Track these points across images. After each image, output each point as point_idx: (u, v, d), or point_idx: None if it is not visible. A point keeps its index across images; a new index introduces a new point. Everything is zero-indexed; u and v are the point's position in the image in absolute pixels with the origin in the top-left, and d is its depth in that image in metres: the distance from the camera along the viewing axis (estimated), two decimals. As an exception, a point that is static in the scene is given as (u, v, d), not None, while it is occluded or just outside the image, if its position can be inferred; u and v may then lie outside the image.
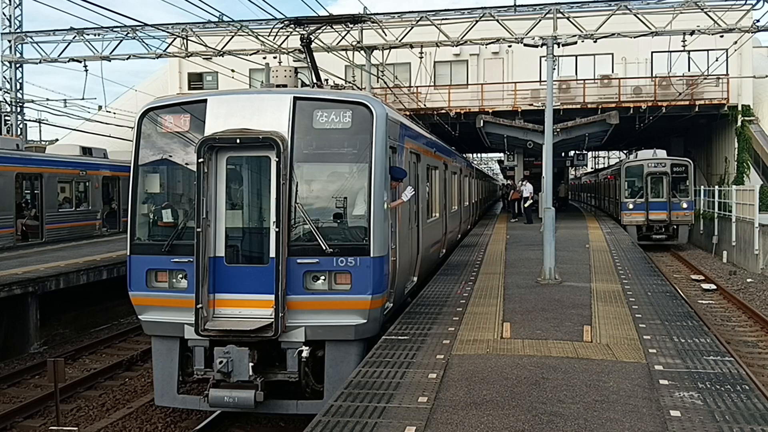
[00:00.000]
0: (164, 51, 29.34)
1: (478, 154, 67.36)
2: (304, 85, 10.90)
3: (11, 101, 31.24)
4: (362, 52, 26.61)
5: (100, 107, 31.82)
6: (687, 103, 31.67)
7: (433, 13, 27.36)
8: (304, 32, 12.56)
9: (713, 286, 20.67)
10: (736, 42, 26.44)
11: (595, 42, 26.23)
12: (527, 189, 28.22)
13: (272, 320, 8.48)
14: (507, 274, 14.15)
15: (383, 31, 25.55)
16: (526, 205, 28.55)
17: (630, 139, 43.47)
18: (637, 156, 32.44)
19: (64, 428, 9.83)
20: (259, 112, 8.94)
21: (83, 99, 39.14)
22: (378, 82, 29.72)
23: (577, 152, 35.52)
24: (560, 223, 24.47)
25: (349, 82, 21.24)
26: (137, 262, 9.11)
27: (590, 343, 8.57)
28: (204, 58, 29.20)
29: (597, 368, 7.48)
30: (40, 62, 30.02)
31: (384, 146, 8.95)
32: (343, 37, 25.85)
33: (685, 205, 28.90)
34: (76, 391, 11.89)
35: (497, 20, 26.30)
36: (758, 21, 25.12)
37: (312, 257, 8.65)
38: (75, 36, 29.06)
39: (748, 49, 31.83)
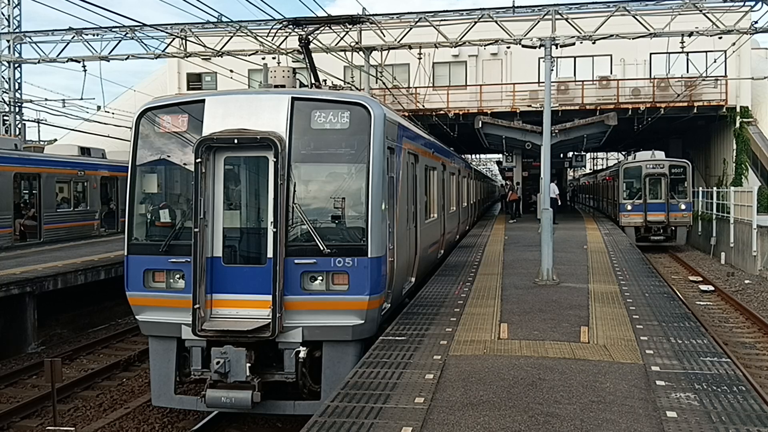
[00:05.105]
0: (163, 51, 29.33)
1: (477, 155, 67.37)
2: (302, 85, 10.90)
3: (10, 101, 31.22)
4: (361, 52, 26.60)
5: (98, 107, 31.77)
6: (685, 104, 31.71)
7: (432, 14, 27.37)
8: (303, 33, 12.57)
9: (711, 288, 20.68)
10: (734, 43, 26.46)
11: (593, 43, 26.26)
12: (553, 189, 27.54)
13: (269, 321, 8.48)
14: (505, 275, 14.15)
15: (382, 32, 25.55)
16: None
17: (628, 140, 43.51)
18: (635, 157, 32.50)
19: (62, 428, 9.82)
20: (257, 112, 8.94)
21: (82, 99, 39.27)
22: (377, 82, 29.72)
23: (575, 153, 35.55)
24: (558, 225, 24.47)
25: (348, 83, 21.25)
26: (135, 262, 9.11)
27: (587, 344, 8.58)
28: (203, 59, 29.22)
29: (594, 369, 7.48)
30: (38, 62, 30.00)
31: (382, 147, 8.95)
32: (341, 38, 25.85)
33: (683, 207, 28.93)
34: (74, 392, 11.88)
35: (496, 21, 26.32)
36: (756, 22, 25.16)
37: (309, 257, 8.65)
38: (74, 36, 29.05)
39: (747, 51, 31.89)
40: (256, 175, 9.08)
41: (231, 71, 28.48)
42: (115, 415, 10.60)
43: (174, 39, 28.22)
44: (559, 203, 27.87)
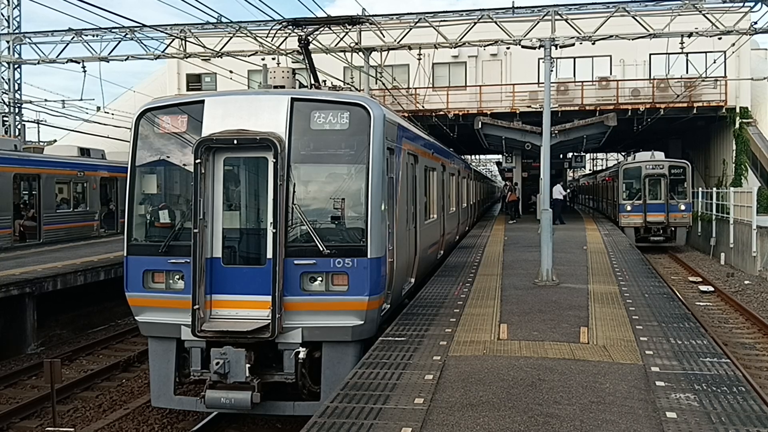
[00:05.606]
0: (162, 52, 29.33)
1: (477, 156, 67.38)
2: (302, 86, 10.90)
3: (9, 102, 31.22)
4: (360, 53, 26.60)
5: (98, 108, 31.80)
6: (685, 105, 31.71)
7: (432, 14, 27.36)
8: (302, 33, 12.58)
9: (711, 288, 20.68)
10: (734, 44, 26.46)
11: (593, 44, 26.27)
12: (557, 190, 27.51)
13: (269, 321, 8.48)
14: (504, 276, 14.15)
15: (381, 33, 25.56)
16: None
17: (628, 141, 43.52)
18: (635, 158, 32.49)
19: (61, 429, 9.83)
20: (257, 113, 8.94)
21: (81, 100, 39.26)
22: (376, 83, 29.72)
23: (575, 154, 35.59)
24: (558, 225, 24.47)
25: (348, 84, 21.24)
26: (134, 263, 9.11)
27: (587, 344, 8.58)
28: (202, 60, 29.23)
29: (593, 370, 7.48)
30: (38, 63, 29.98)
31: (381, 147, 8.95)
32: (341, 39, 25.85)
33: (683, 207, 28.93)
34: (73, 392, 11.88)
35: (495, 22, 26.32)
36: (756, 23, 25.18)
37: (309, 258, 8.65)
38: (73, 37, 29.04)
39: (746, 51, 31.89)
40: (256, 176, 9.08)
41: (231, 72, 28.48)
42: (114, 415, 10.59)
43: (174, 40, 28.20)
44: (568, 201, 27.79)
